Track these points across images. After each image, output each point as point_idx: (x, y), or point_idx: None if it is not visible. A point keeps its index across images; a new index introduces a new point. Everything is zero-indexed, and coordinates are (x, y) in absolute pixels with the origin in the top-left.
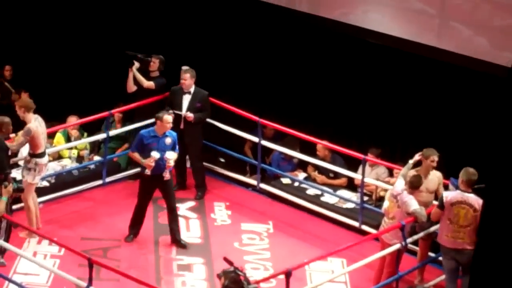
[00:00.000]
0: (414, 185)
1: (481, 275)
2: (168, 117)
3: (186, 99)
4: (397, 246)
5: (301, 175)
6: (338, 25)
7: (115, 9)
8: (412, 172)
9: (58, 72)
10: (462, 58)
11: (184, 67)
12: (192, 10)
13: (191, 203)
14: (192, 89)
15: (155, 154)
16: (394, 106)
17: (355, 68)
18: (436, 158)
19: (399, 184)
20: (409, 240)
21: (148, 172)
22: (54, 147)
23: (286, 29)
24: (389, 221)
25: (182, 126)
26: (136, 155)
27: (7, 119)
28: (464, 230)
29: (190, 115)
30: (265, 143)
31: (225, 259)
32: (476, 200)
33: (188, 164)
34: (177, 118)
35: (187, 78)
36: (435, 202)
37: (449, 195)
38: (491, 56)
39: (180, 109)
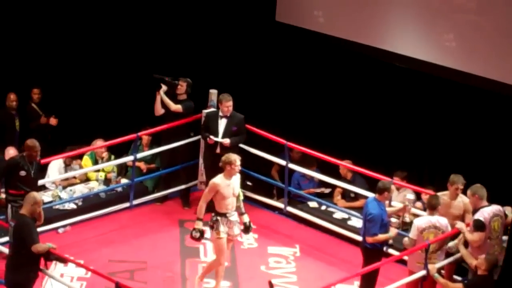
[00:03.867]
0: (431, 205)
1: None
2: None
3: (222, 124)
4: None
5: (326, 191)
6: (364, 48)
7: (143, 33)
8: (441, 196)
9: (86, 95)
10: (489, 82)
11: (225, 94)
12: (217, 33)
13: None
14: (228, 114)
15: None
16: (422, 129)
17: (383, 92)
18: (460, 186)
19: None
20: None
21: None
22: (81, 169)
23: (312, 51)
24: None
25: (218, 151)
26: (380, 236)
27: (37, 143)
28: (434, 255)
29: (227, 141)
30: (292, 166)
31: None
32: (441, 223)
33: None
34: (214, 143)
35: (231, 105)
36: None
37: (418, 223)
38: None
39: (216, 134)
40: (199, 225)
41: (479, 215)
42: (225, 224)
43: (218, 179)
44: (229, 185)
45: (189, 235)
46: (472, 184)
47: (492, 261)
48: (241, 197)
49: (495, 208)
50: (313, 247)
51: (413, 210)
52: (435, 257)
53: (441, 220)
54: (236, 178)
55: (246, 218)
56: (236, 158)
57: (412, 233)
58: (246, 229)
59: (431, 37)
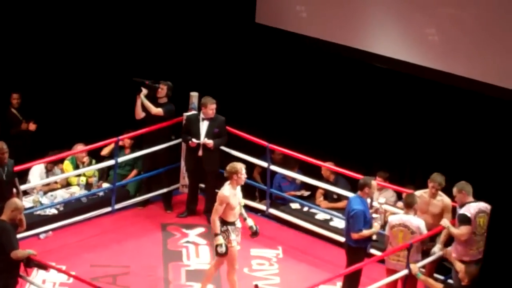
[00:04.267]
0: (406, 203)
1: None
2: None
3: (204, 126)
4: (405, 271)
5: (306, 193)
6: (344, 49)
7: (123, 36)
8: (421, 193)
9: (66, 100)
10: (468, 81)
11: (209, 97)
12: (197, 36)
13: (201, 229)
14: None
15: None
16: (403, 129)
17: (363, 92)
18: (437, 186)
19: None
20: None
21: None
22: (62, 174)
23: (292, 53)
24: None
25: (200, 153)
26: (365, 232)
27: (4, 146)
28: (403, 254)
29: (210, 141)
30: (274, 168)
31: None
32: (412, 223)
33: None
34: (196, 146)
35: (215, 108)
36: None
37: (391, 219)
38: (497, 79)
39: (198, 137)
40: (221, 240)
41: (464, 210)
42: (234, 232)
43: (227, 191)
44: (235, 195)
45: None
46: (454, 182)
47: (473, 273)
48: (242, 203)
49: (482, 204)
50: (295, 248)
51: (393, 210)
52: (404, 256)
53: (413, 220)
54: (239, 187)
55: (250, 222)
56: (242, 167)
57: (386, 229)
58: (255, 233)
59: (411, 37)
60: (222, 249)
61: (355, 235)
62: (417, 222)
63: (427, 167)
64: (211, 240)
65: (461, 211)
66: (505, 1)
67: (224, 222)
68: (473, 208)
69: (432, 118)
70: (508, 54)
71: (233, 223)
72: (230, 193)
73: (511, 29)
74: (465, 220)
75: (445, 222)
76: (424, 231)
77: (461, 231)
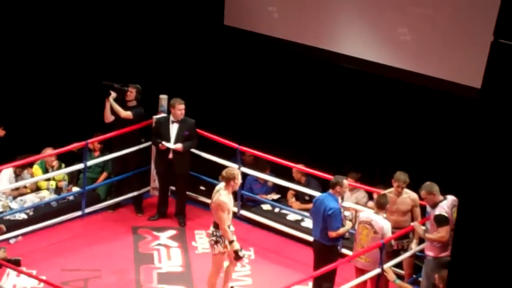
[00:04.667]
0: (379, 204)
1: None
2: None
3: (174, 129)
4: (377, 270)
5: (275, 196)
6: (314, 50)
7: (91, 39)
8: (386, 193)
9: (33, 104)
10: (436, 80)
11: (177, 98)
12: (166, 39)
13: (172, 232)
14: (180, 118)
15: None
16: (372, 130)
17: (331, 93)
18: (402, 184)
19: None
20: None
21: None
22: (32, 179)
23: (262, 54)
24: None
25: (170, 156)
26: (341, 230)
27: None
28: (363, 249)
29: (179, 146)
30: (245, 169)
31: None
32: (377, 223)
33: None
34: (166, 148)
35: (183, 109)
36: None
37: (361, 214)
38: (463, 78)
39: (168, 139)
40: (238, 245)
41: (439, 210)
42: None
43: (226, 198)
44: (231, 199)
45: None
46: (423, 180)
47: (446, 278)
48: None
49: (451, 198)
50: (267, 249)
51: (364, 209)
52: (367, 256)
53: (379, 221)
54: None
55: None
56: (238, 173)
57: (356, 225)
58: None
59: (380, 37)
60: (242, 253)
61: (333, 233)
62: (383, 223)
63: (397, 166)
64: (182, 242)
65: (436, 211)
66: (475, 1)
67: (218, 227)
68: (446, 206)
69: (400, 118)
70: (476, 53)
71: (228, 227)
72: (229, 199)
73: (480, 28)
74: (443, 220)
75: (418, 227)
76: (388, 233)
77: (441, 233)
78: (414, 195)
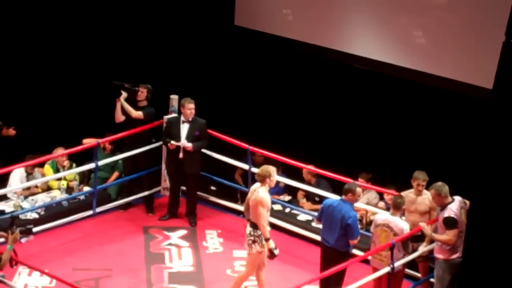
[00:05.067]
0: (395, 204)
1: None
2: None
3: (184, 129)
4: (387, 269)
5: (286, 198)
6: (325, 51)
7: (102, 40)
8: (406, 193)
9: (44, 104)
10: (447, 81)
11: (187, 98)
12: (177, 39)
13: (183, 232)
14: (191, 118)
15: None
16: (383, 130)
17: (342, 93)
18: (421, 182)
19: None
20: (400, 262)
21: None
22: (43, 178)
23: (272, 54)
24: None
25: (181, 156)
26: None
27: None
28: (385, 253)
29: (189, 145)
30: (255, 170)
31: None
32: (396, 225)
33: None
34: (176, 148)
35: (193, 108)
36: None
37: (377, 217)
38: (475, 79)
39: (179, 139)
40: (273, 243)
41: (448, 213)
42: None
43: (265, 194)
44: (269, 198)
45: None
46: (432, 181)
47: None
48: None
49: (458, 200)
50: (278, 249)
51: (375, 210)
52: (386, 255)
53: (398, 223)
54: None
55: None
56: (274, 170)
57: (371, 227)
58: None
59: (392, 38)
60: (277, 251)
61: (355, 241)
62: (402, 224)
63: (407, 166)
64: (193, 242)
65: (446, 214)
66: (488, 3)
67: (257, 227)
68: (455, 207)
69: (412, 119)
70: (489, 54)
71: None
72: (268, 196)
73: (492, 29)
74: (452, 223)
75: (426, 228)
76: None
77: (449, 236)
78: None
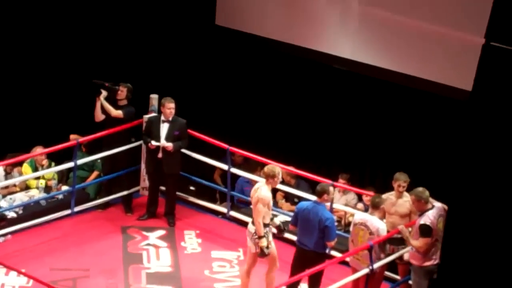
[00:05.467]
0: (373, 204)
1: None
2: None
3: (164, 128)
4: (366, 270)
5: None
6: (304, 51)
7: (82, 38)
8: (387, 195)
9: (24, 102)
10: (427, 83)
11: (168, 98)
12: (157, 38)
13: (161, 232)
14: (171, 118)
15: None
16: (362, 131)
17: (322, 94)
18: (402, 183)
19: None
20: (379, 263)
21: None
22: (21, 177)
23: (253, 54)
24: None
25: (160, 156)
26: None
27: None
28: (361, 253)
29: (169, 145)
30: (234, 170)
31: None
32: (373, 224)
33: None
34: (155, 148)
35: (173, 108)
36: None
37: (355, 216)
38: (455, 81)
39: (158, 139)
40: (265, 242)
41: (425, 220)
42: (271, 232)
43: (267, 192)
44: (270, 196)
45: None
46: (415, 182)
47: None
48: None
49: (438, 208)
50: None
51: (354, 211)
52: (363, 255)
53: (374, 222)
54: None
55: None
56: (280, 171)
57: (351, 226)
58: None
59: (370, 38)
60: (268, 250)
61: (332, 243)
62: (378, 224)
63: (387, 168)
64: (172, 242)
65: (422, 220)
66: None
67: (263, 225)
68: (432, 215)
69: (391, 120)
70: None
71: (268, 225)
72: (269, 194)
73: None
74: (427, 231)
75: (404, 230)
76: (384, 234)
77: (420, 243)
78: None
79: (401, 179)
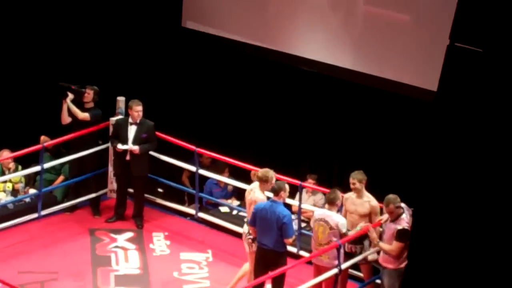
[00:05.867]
0: (329, 200)
1: None
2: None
3: (132, 131)
4: (335, 270)
5: (235, 203)
6: (271, 52)
7: (48, 39)
8: (349, 194)
9: None
10: (393, 83)
11: (135, 100)
12: (123, 40)
13: (130, 234)
14: (138, 120)
15: None
16: (330, 132)
17: (289, 95)
18: (353, 180)
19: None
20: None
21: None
22: None
23: (220, 56)
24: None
25: (128, 158)
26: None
27: None
28: (322, 248)
29: (135, 147)
30: (202, 172)
31: None
32: (332, 219)
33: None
34: (123, 150)
35: (141, 110)
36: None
37: (315, 213)
38: (420, 81)
39: (126, 141)
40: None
41: (402, 224)
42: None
43: (260, 195)
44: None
45: None
46: (378, 182)
47: None
48: None
49: (406, 208)
50: (225, 251)
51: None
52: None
53: (334, 217)
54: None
55: None
56: (272, 176)
57: (311, 222)
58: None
59: (335, 39)
60: (250, 237)
61: (290, 240)
62: (338, 218)
63: (355, 169)
64: (140, 245)
65: (399, 226)
66: (434, 5)
67: None
68: (406, 218)
69: (359, 121)
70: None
71: None
72: (263, 196)
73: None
74: (404, 235)
75: (374, 236)
76: (343, 228)
77: (394, 246)
78: (374, 203)
79: (356, 178)
